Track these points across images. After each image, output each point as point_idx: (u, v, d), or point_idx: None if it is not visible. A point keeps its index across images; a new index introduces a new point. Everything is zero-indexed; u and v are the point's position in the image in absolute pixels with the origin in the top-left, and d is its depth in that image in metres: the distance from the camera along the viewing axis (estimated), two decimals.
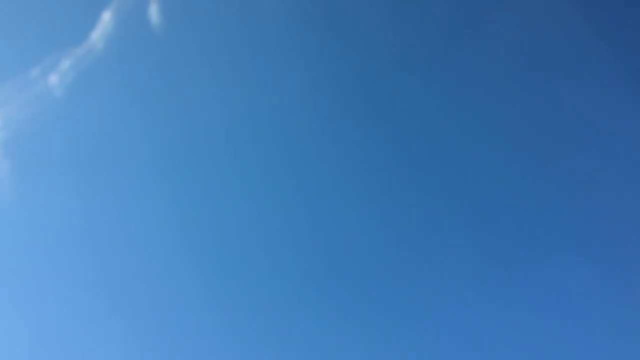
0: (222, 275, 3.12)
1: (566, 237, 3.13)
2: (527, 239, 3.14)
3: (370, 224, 3.18)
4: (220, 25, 3.34)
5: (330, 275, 3.13)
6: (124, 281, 3.10)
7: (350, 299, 3.10)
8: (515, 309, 3.08)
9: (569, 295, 3.08)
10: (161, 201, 3.21)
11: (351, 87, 3.30)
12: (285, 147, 3.22)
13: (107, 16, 3.33)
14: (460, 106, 3.25)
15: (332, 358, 3.04)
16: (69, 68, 3.30)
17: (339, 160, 3.24)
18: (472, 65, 3.26)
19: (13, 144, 3.24)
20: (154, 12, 3.33)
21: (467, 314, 3.07)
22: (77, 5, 3.37)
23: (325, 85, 3.29)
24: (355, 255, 3.13)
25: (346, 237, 3.14)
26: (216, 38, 3.33)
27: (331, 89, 3.30)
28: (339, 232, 3.15)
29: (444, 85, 3.27)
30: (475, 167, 3.20)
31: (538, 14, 3.28)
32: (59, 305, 3.09)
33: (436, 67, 3.29)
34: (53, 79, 3.29)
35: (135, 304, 3.07)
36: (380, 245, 3.15)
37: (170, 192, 3.22)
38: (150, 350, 3.03)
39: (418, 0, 3.32)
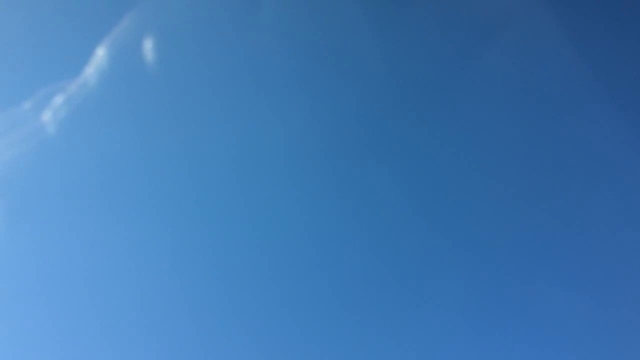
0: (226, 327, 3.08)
1: (565, 275, 3.14)
2: (527, 277, 3.14)
3: (371, 261, 3.17)
4: (218, 63, 3.30)
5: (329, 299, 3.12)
6: (121, 327, 3.04)
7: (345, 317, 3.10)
8: (511, 344, 3.09)
9: (565, 332, 3.09)
10: (158, 241, 3.15)
11: (352, 122, 3.29)
12: (287, 191, 3.19)
13: (101, 51, 3.27)
14: (462, 144, 3.25)
15: None
16: (62, 104, 3.24)
17: (340, 192, 3.22)
18: (473, 100, 3.27)
19: (3, 183, 3.16)
20: (149, 48, 3.28)
21: (463, 344, 3.07)
22: (70, 40, 3.31)
23: (325, 124, 3.27)
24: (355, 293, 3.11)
25: (349, 270, 3.13)
26: (214, 76, 3.29)
27: (331, 126, 3.29)
28: (343, 266, 3.14)
29: (446, 120, 3.27)
30: (475, 200, 3.21)
31: (541, 50, 3.30)
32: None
33: (438, 102, 3.29)
34: (45, 115, 3.22)
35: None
36: (377, 280, 3.14)
37: (167, 232, 3.16)
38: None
39: (420, 36, 3.32)
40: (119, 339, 3.06)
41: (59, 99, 3.24)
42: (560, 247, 3.16)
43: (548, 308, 3.09)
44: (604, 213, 3.18)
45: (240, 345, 3.06)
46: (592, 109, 3.25)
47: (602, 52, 3.28)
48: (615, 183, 3.20)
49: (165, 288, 3.11)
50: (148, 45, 3.28)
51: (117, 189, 3.18)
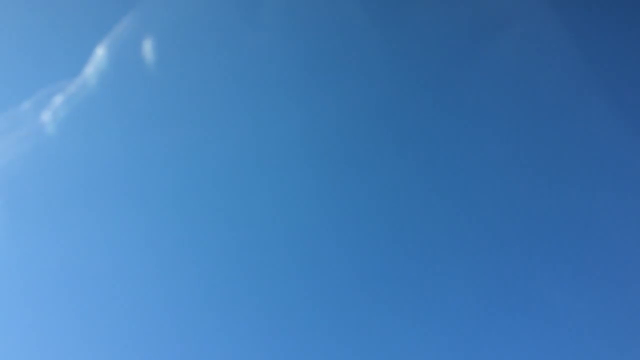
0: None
1: (565, 273, 3.13)
2: (526, 277, 3.14)
3: (368, 261, 3.16)
4: (217, 63, 3.30)
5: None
6: (118, 326, 3.04)
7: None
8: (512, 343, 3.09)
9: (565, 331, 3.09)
10: (157, 240, 3.15)
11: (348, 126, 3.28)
12: (284, 192, 3.18)
13: (100, 51, 3.28)
14: (463, 143, 3.25)
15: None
16: (62, 104, 3.24)
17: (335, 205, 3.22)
18: (475, 99, 3.26)
19: (3, 182, 3.17)
20: (148, 49, 3.28)
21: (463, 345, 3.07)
22: (70, 40, 3.32)
23: (322, 130, 3.27)
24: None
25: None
26: (213, 76, 3.29)
27: (331, 125, 3.28)
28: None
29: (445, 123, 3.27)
30: (475, 199, 3.21)
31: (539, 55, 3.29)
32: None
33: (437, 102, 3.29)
34: (45, 115, 3.23)
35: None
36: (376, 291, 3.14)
37: (166, 231, 3.16)
38: None
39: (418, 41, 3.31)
40: (117, 338, 3.06)
41: (58, 99, 3.25)
42: (560, 245, 3.16)
43: (549, 308, 3.09)
44: (604, 211, 3.16)
45: (246, 346, 3.06)
46: (592, 109, 3.24)
47: (602, 52, 3.27)
48: (615, 183, 3.19)
49: (163, 287, 3.11)
50: (147, 46, 3.28)
51: (116, 188, 3.18)
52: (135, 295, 3.06)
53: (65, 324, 3.05)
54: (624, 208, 3.14)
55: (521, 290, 3.09)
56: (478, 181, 3.19)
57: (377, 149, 3.22)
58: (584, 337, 3.05)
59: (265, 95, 3.27)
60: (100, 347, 3.01)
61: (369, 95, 3.25)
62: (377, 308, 3.07)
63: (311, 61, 3.29)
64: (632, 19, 3.24)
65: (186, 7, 3.34)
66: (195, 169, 3.22)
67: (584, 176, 3.18)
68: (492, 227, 3.15)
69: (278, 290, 3.08)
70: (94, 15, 3.33)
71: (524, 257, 3.13)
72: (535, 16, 3.29)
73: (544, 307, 3.09)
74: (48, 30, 3.33)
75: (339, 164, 3.21)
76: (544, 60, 3.27)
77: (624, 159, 3.18)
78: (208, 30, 3.33)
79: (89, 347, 3.01)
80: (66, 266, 3.11)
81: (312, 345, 3.03)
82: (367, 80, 3.26)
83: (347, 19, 3.28)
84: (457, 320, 3.08)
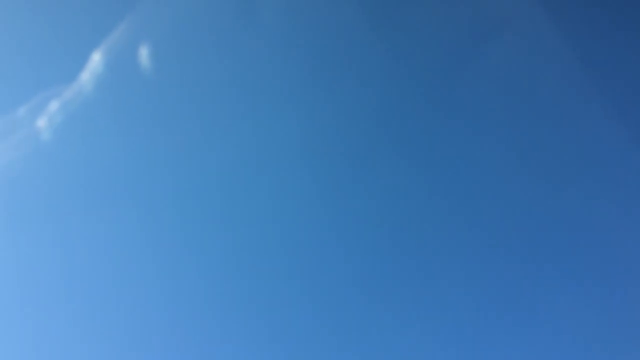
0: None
1: (565, 274, 3.12)
2: (526, 278, 3.13)
3: (366, 262, 3.15)
4: (214, 68, 3.29)
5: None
6: (115, 328, 3.03)
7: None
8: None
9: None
10: (153, 244, 3.14)
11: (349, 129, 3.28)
12: (284, 194, 3.17)
13: (97, 57, 3.27)
14: (463, 143, 3.24)
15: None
16: (58, 109, 3.23)
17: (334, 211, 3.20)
18: (474, 99, 3.26)
19: None
20: (145, 53, 3.27)
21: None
22: (66, 44, 3.30)
23: (321, 131, 3.26)
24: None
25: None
26: (210, 81, 3.28)
27: (330, 127, 3.27)
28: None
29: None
30: (475, 200, 3.20)
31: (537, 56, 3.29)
32: None
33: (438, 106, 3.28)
34: (41, 120, 3.22)
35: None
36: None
37: (163, 236, 3.15)
38: None
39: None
40: (117, 339, 3.05)
41: (54, 105, 3.24)
42: (561, 247, 3.15)
43: (550, 310, 3.08)
44: (603, 213, 3.16)
45: (246, 347, 3.04)
46: (592, 111, 3.24)
47: (603, 53, 3.27)
48: (615, 184, 3.18)
49: (162, 289, 3.09)
50: (144, 51, 3.28)
51: (113, 193, 3.17)
52: (134, 297, 3.05)
53: (65, 327, 3.04)
54: (624, 209, 3.14)
55: (521, 292, 3.08)
56: (478, 183, 3.18)
57: (377, 150, 3.21)
58: (584, 338, 3.04)
59: (264, 98, 3.26)
60: (101, 348, 3.00)
61: (368, 96, 3.25)
62: (378, 308, 3.06)
63: (310, 62, 3.28)
64: (632, 20, 3.24)
65: (184, 12, 3.33)
66: (193, 173, 3.21)
67: (584, 178, 3.18)
68: (491, 229, 3.15)
69: (278, 290, 3.07)
70: (90, 19, 3.32)
71: (524, 259, 3.12)
72: (535, 18, 3.29)
73: (544, 309, 3.08)
74: (44, 35, 3.31)
75: (339, 165, 3.21)
76: (544, 62, 3.27)
77: (624, 161, 3.17)
78: (206, 35, 3.32)
79: (89, 347, 3.00)
80: (64, 271, 3.10)
81: (312, 345, 3.02)
82: (366, 81, 3.25)
83: (347, 20, 3.28)
84: (457, 321, 3.07)
